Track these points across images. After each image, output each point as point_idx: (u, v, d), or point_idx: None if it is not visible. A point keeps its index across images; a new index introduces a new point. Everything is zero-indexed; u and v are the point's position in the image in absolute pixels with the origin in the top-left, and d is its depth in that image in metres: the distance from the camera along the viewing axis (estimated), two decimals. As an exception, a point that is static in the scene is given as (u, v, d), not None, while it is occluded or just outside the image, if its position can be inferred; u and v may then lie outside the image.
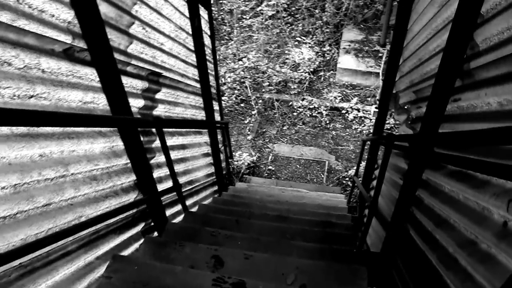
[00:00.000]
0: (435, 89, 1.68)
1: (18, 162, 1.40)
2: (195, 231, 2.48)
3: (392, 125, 6.84)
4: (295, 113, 7.90)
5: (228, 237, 2.41)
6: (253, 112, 7.96)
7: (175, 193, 2.84)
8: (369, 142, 3.93)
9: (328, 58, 8.75)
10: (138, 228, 2.41)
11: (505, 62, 1.29)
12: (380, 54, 8.12)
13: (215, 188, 4.60)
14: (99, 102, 1.93)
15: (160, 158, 2.76)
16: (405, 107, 2.92)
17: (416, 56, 2.61)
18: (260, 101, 8.11)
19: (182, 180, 3.30)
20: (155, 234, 2.61)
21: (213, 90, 4.42)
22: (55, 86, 1.60)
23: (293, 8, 9.59)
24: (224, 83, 8.41)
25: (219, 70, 6.48)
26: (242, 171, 6.29)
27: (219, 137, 4.67)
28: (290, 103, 8.04)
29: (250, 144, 7.35)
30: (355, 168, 5.07)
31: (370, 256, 2.29)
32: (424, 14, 2.47)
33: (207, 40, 4.05)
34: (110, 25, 2.05)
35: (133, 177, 2.29)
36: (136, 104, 2.44)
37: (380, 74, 7.77)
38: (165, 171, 2.85)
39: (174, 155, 3.12)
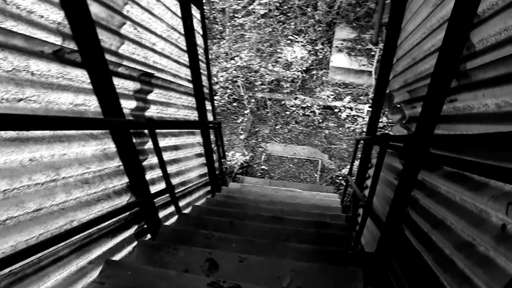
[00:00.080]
0: (430, 89, 1.67)
1: (7, 167, 1.37)
2: (189, 234, 2.46)
3: (385, 124, 6.88)
4: (288, 112, 7.90)
5: (222, 240, 2.39)
6: (245, 112, 7.94)
7: (168, 194, 2.82)
8: (362, 141, 3.94)
9: (320, 56, 8.76)
10: (131, 230, 2.38)
11: (504, 63, 1.28)
12: (373, 53, 8.15)
13: (208, 188, 4.57)
14: (91, 104, 1.90)
15: (153, 159, 2.73)
16: (399, 106, 2.92)
17: (410, 56, 2.61)
18: (253, 100, 8.10)
19: (175, 181, 3.27)
20: (148, 236, 2.58)
21: (206, 90, 4.39)
22: (45, 89, 1.57)
23: (285, 7, 9.57)
24: (217, 83, 8.37)
25: (211, 69, 6.45)
26: (235, 171, 6.28)
27: (212, 137, 4.64)
28: (283, 102, 8.04)
29: (243, 143, 7.33)
30: (348, 167, 5.09)
31: (365, 257, 2.30)
32: (418, 14, 2.47)
33: (199, 40, 4.02)
34: (101, 25, 2.01)
35: (125, 180, 2.26)
36: (128, 105, 2.41)
37: (373, 72, 7.81)
38: (158, 172, 2.82)
39: (167, 156, 3.09)
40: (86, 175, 1.87)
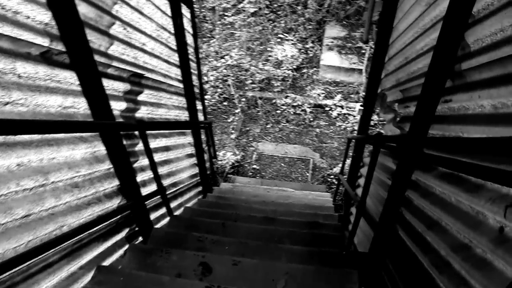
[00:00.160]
0: (424, 89, 1.66)
1: (-6, 173, 1.33)
2: (181, 237, 2.43)
3: (376, 122, 6.92)
4: (278, 111, 7.89)
5: (215, 242, 2.37)
6: (236, 111, 7.91)
7: (159, 196, 2.78)
8: (354, 140, 3.95)
9: (311, 55, 8.78)
10: (123, 234, 2.35)
11: (501, 64, 1.28)
12: (363, 51, 8.19)
13: (200, 189, 4.54)
14: (80, 107, 1.85)
15: (144, 161, 2.69)
16: (391, 105, 2.93)
17: (403, 55, 2.61)
18: (244, 99, 8.07)
19: (166, 182, 3.24)
20: (140, 239, 2.55)
21: (196, 90, 4.35)
22: (32, 92, 1.52)
23: (275, 5, 9.55)
24: (207, 82, 8.31)
25: (202, 68, 6.40)
26: (226, 170, 6.25)
27: (203, 137, 4.61)
28: (274, 100, 8.03)
29: (234, 143, 7.30)
30: (340, 165, 5.12)
31: (358, 257, 2.30)
32: (410, 13, 2.47)
33: (189, 39, 3.98)
34: (90, 26, 1.97)
35: (116, 182, 2.23)
36: (118, 107, 2.36)
37: (363, 70, 7.85)
38: (149, 174, 2.78)
39: (157, 157, 3.05)
40: (76, 178, 1.83)
